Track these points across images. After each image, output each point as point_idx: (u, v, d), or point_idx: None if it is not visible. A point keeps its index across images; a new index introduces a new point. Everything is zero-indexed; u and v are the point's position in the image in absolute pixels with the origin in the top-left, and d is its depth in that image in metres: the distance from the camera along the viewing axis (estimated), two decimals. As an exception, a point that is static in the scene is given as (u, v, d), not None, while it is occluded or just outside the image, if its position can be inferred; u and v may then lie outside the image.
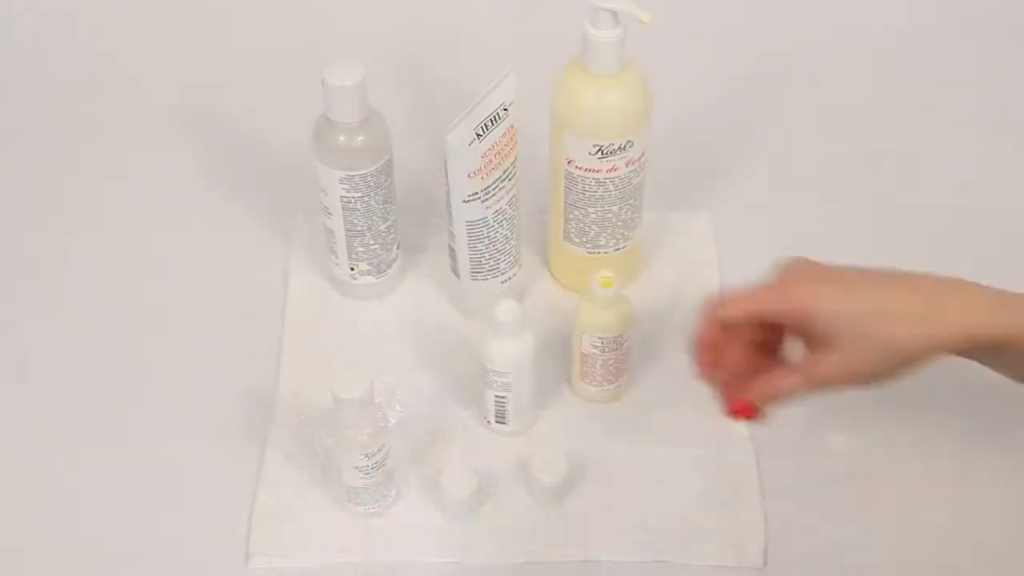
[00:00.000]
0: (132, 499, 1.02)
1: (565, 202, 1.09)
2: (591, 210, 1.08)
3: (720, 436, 1.05)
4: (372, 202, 1.08)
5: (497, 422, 1.04)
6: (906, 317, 0.86)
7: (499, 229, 1.07)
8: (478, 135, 1.01)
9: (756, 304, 0.88)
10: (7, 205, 1.23)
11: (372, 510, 1.00)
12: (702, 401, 1.07)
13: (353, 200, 1.07)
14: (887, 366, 0.87)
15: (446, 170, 1.02)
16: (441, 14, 1.38)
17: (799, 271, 0.89)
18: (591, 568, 0.98)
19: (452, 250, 1.09)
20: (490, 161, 1.02)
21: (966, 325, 0.86)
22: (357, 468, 0.97)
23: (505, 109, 1.02)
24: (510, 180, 1.05)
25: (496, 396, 1.02)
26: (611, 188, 1.07)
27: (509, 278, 1.11)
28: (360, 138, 1.05)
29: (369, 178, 1.06)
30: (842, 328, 0.86)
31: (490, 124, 1.01)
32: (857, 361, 0.87)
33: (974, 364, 1.06)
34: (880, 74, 1.34)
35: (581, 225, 1.09)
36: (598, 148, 1.04)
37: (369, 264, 1.12)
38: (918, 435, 1.05)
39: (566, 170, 1.06)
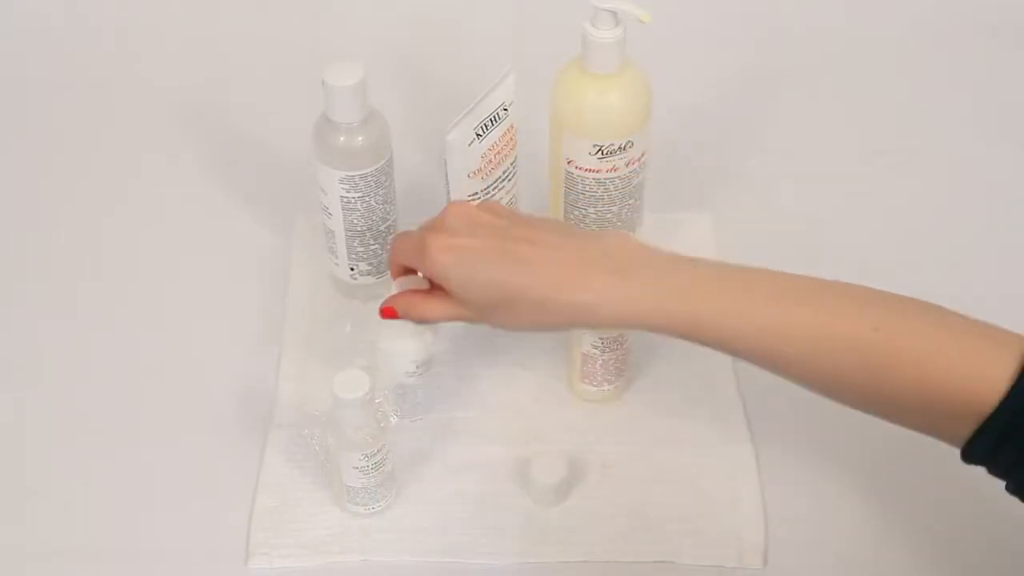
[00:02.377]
0: (132, 499, 1.02)
1: (565, 202, 1.09)
2: (591, 210, 1.08)
3: (720, 436, 1.05)
4: (372, 202, 1.08)
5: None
6: (529, 303, 0.89)
7: (499, 229, 1.07)
8: (478, 135, 1.01)
9: (401, 260, 0.96)
10: (7, 205, 1.23)
11: (372, 510, 1.00)
12: (702, 401, 1.08)
13: (353, 200, 1.07)
14: (525, 329, 0.94)
15: (446, 170, 1.02)
16: (441, 14, 1.38)
17: (442, 229, 0.92)
18: (591, 568, 0.98)
19: (452, 250, 1.09)
20: (490, 161, 1.02)
21: (587, 316, 0.90)
22: (357, 468, 0.97)
23: (505, 109, 1.02)
24: (510, 180, 1.05)
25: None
26: (611, 188, 1.07)
27: (509, 278, 1.10)
28: (360, 138, 1.05)
29: (369, 178, 1.06)
30: (470, 299, 0.91)
31: (490, 124, 1.01)
32: (492, 320, 0.92)
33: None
34: (881, 74, 1.34)
35: (581, 225, 1.09)
36: (598, 148, 1.04)
37: (369, 264, 1.12)
38: (921, 437, 1.05)
39: (566, 170, 1.06)
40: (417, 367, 1.00)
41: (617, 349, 1.04)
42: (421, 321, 0.96)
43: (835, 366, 0.86)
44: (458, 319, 0.94)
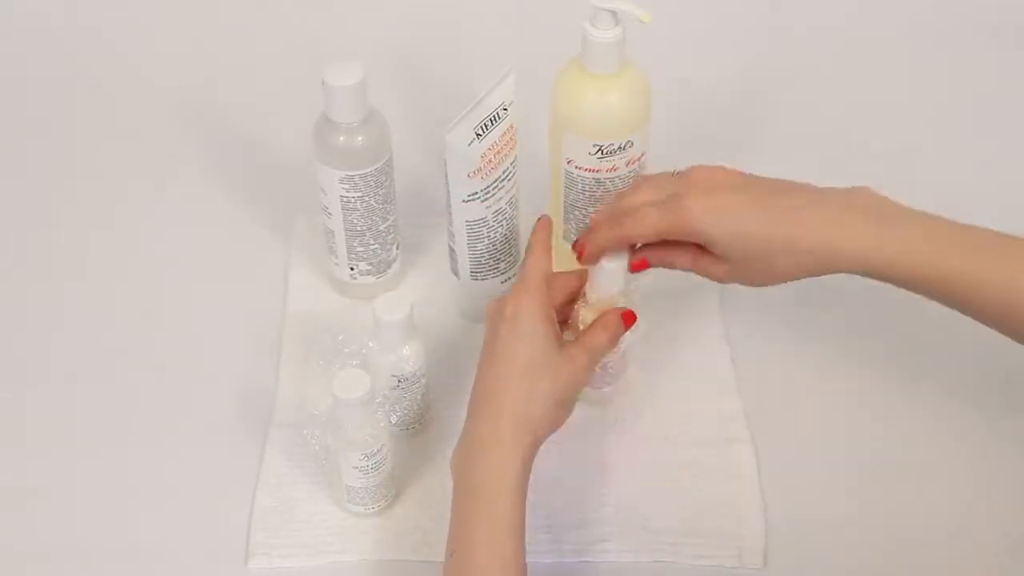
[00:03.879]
0: (132, 499, 1.02)
1: (565, 202, 1.09)
2: (591, 210, 1.08)
3: (720, 436, 1.05)
4: (372, 202, 1.08)
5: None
6: (791, 253, 0.94)
7: (499, 229, 1.07)
8: (478, 135, 1.01)
9: (656, 229, 0.95)
10: (7, 205, 1.23)
11: (372, 510, 1.00)
12: (702, 402, 1.07)
13: (353, 200, 1.07)
14: (772, 281, 0.97)
15: (446, 170, 1.02)
16: (441, 14, 1.38)
17: (697, 190, 0.95)
18: (589, 567, 0.98)
19: (452, 250, 1.09)
20: (490, 161, 1.02)
21: (851, 262, 0.94)
22: (357, 468, 0.97)
23: (505, 109, 1.02)
24: (510, 180, 1.05)
25: None
26: (611, 188, 1.07)
27: (509, 278, 1.11)
28: (360, 138, 1.05)
29: (369, 178, 1.06)
30: (732, 255, 0.95)
31: (490, 124, 1.01)
32: (743, 275, 0.97)
33: (976, 358, 1.06)
34: (881, 74, 1.34)
35: (581, 225, 1.09)
36: (598, 148, 1.04)
37: (369, 264, 1.12)
38: (920, 437, 1.05)
39: (566, 170, 1.06)
40: (400, 382, 1.01)
41: (615, 351, 1.03)
42: (669, 267, 0.98)
43: None
44: (710, 275, 0.98)
